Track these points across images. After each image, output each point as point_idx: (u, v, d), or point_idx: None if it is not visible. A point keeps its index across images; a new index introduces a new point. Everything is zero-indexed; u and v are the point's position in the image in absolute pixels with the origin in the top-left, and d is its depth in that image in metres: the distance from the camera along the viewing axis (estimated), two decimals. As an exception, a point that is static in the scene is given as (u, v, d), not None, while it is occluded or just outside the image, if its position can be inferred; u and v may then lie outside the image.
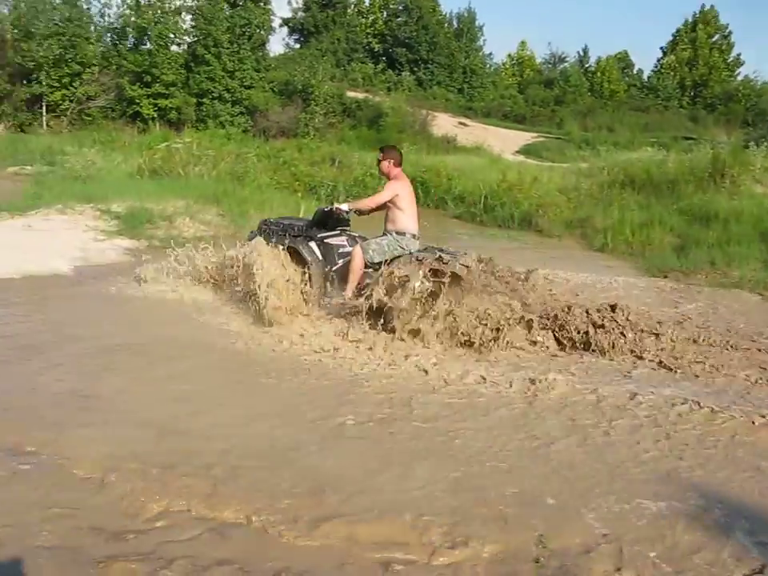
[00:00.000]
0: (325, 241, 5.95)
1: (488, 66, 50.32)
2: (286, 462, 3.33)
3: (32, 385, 4.15)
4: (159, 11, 30.39)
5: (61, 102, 28.27)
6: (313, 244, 5.96)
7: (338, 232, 6.07)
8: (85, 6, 30.61)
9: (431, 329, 5.12)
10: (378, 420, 3.86)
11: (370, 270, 5.66)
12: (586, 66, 51.03)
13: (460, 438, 3.66)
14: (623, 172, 14.58)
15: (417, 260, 5.23)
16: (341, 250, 5.92)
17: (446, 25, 47.17)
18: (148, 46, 30.56)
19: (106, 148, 17.81)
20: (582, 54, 52.71)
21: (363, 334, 5.20)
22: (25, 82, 28.65)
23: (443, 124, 32.72)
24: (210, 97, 29.94)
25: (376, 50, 46.38)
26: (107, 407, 3.87)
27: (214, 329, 5.44)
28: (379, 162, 5.88)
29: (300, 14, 46.50)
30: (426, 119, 32.05)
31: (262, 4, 34.95)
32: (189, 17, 31.81)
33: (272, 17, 36.88)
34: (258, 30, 32.61)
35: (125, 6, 30.89)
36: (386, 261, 5.46)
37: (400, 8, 46.41)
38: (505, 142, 31.92)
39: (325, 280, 5.83)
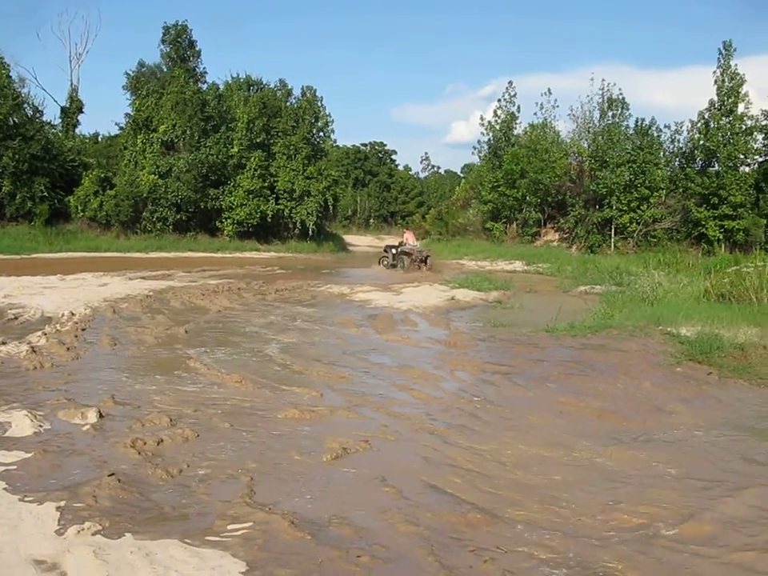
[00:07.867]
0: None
1: None
2: None
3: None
4: (729, 133, 30.10)
5: (629, 224, 30.39)
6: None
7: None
8: (656, 134, 32.54)
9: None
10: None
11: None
12: None
13: None
14: None
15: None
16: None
17: None
18: (716, 167, 30.57)
19: (670, 269, 18.17)
20: None
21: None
22: (597, 207, 31.85)
23: None
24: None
25: None
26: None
27: None
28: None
29: None
30: None
31: None
32: (761, 136, 30.58)
33: None
34: None
35: (694, 131, 31.67)
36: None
37: None
38: None
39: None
